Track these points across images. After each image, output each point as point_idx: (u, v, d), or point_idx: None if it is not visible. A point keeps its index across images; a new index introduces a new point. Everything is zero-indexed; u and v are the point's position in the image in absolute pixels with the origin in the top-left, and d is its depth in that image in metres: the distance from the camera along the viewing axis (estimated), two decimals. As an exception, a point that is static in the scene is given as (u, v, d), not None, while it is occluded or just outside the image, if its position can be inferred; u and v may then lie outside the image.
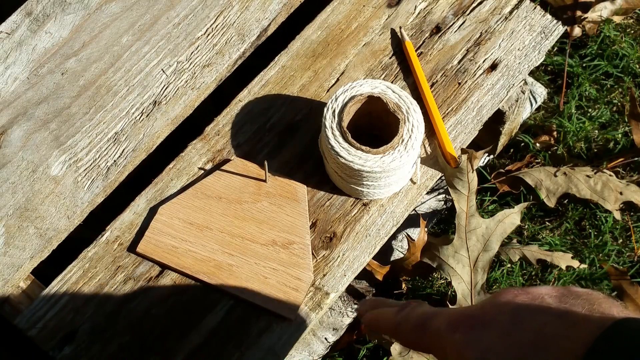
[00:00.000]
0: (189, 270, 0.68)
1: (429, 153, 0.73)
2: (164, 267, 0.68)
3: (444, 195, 0.93)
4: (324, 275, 0.68)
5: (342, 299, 0.81)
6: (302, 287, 0.67)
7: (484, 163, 1.00)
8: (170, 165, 0.72)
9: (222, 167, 0.71)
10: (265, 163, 0.69)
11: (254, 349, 0.65)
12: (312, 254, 0.69)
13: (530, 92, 0.95)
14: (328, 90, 0.75)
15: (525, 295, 0.44)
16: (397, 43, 0.77)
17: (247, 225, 0.69)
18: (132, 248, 0.69)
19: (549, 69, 1.08)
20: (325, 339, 0.80)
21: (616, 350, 0.39)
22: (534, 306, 0.43)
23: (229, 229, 0.69)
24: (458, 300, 0.80)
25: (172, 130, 0.74)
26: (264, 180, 0.70)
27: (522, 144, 1.01)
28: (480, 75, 0.76)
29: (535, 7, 0.78)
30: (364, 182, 0.68)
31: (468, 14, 0.78)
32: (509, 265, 0.93)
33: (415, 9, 0.78)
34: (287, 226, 0.69)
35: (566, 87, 1.06)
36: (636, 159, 1.00)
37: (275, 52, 0.77)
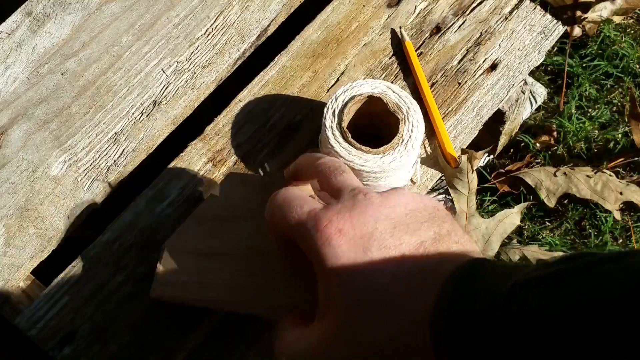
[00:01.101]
0: (213, 304, 0.60)
1: (429, 153, 0.73)
2: (185, 306, 0.61)
3: (444, 195, 0.93)
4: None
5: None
6: None
7: (484, 163, 1.00)
8: (170, 165, 0.72)
9: (220, 183, 0.66)
10: (266, 165, 0.69)
11: (254, 349, 0.65)
12: None
13: (530, 92, 0.95)
14: (328, 90, 0.75)
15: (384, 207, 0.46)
16: (397, 43, 0.77)
17: (257, 238, 0.62)
18: (147, 291, 0.62)
19: (549, 69, 1.08)
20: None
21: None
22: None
23: (241, 249, 0.62)
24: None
25: (172, 130, 0.74)
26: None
27: (522, 144, 1.02)
28: (480, 75, 0.76)
29: (535, 7, 0.78)
30: (364, 182, 0.68)
31: (468, 14, 0.78)
32: (509, 265, 0.93)
33: (415, 9, 0.78)
34: None
35: (566, 87, 1.06)
36: (636, 159, 1.00)
37: (275, 52, 0.77)
